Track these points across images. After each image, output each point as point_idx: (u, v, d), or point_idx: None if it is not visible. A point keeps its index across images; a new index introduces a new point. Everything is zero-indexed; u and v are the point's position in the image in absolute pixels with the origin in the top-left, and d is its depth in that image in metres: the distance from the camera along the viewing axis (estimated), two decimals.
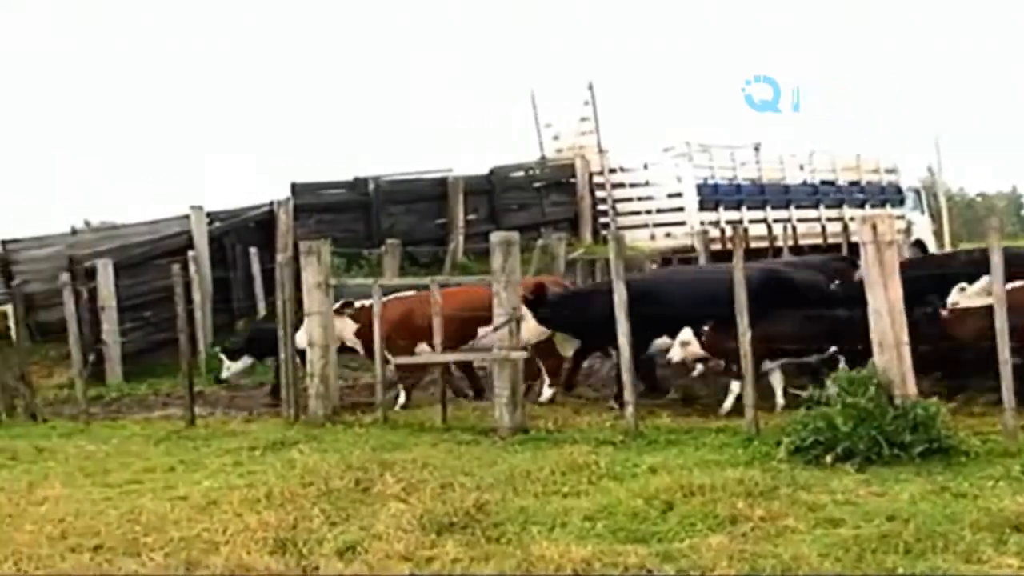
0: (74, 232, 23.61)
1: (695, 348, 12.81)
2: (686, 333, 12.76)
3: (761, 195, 30.27)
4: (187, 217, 22.06)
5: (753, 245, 24.68)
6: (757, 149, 30.35)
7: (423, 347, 13.82)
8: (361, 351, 14.73)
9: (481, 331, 13.31)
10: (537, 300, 13.52)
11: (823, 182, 31.74)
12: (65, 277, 16.42)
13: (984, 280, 12.50)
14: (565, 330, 14.04)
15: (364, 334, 14.13)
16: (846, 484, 8.99)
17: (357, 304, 14.44)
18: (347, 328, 14.51)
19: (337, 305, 14.24)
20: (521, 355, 12.35)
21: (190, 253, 20.76)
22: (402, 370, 14.08)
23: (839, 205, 31.58)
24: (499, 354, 12.24)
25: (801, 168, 31.40)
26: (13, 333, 16.48)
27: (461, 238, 26.12)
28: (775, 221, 29.85)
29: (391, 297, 14.43)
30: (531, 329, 13.28)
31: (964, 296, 12.89)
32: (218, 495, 9.74)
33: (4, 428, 14.36)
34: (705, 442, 10.75)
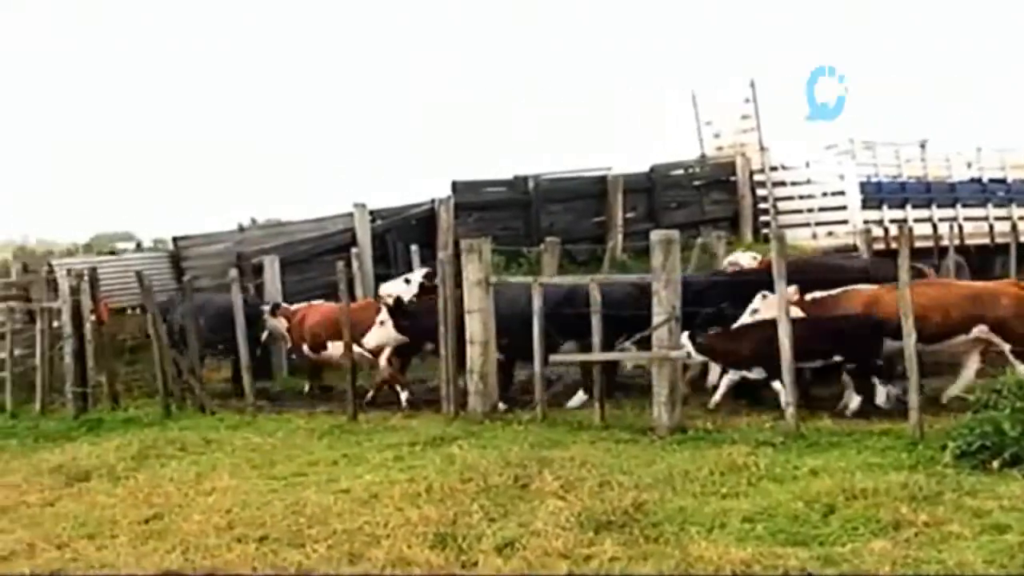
0: (241, 229, 24.09)
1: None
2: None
3: (926, 193, 29.61)
4: (351, 215, 22.40)
5: (917, 244, 24.18)
6: (923, 146, 29.67)
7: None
8: (289, 344, 17.53)
9: (330, 345, 15.96)
10: (398, 309, 15.03)
11: (992, 180, 30.91)
12: (233, 273, 16.75)
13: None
14: (422, 338, 15.08)
15: (291, 330, 17.02)
16: (1013, 490, 8.78)
17: (290, 306, 17.48)
18: (281, 326, 17.16)
19: (270, 307, 17.38)
20: (680, 355, 12.29)
21: (353, 250, 21.06)
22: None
23: (1008, 204, 30.72)
24: (658, 353, 12.19)
25: (968, 166, 30.61)
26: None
27: (620, 236, 26.06)
28: (940, 220, 29.19)
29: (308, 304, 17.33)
30: (385, 334, 14.87)
31: (765, 304, 13.18)
32: (380, 489, 9.89)
33: (174, 420, 14.71)
34: (868, 445, 10.58)
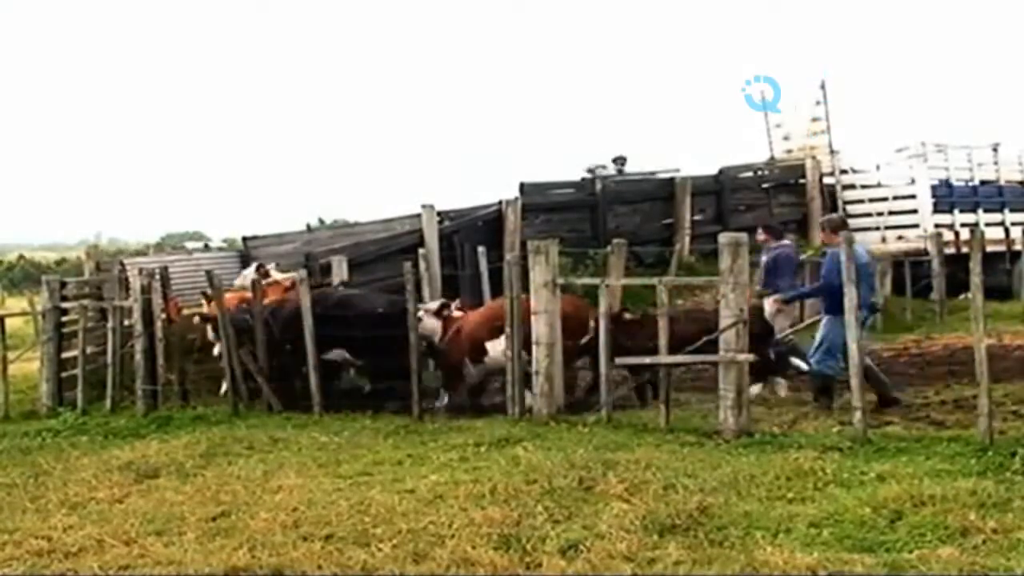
0: (310, 229, 24.30)
1: None
2: None
3: (999, 197, 29.29)
4: (418, 216, 22.50)
5: (989, 249, 23.91)
6: (995, 149, 29.37)
7: None
8: None
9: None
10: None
11: None
12: (302, 272, 16.85)
13: None
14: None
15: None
16: None
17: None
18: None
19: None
20: (748, 357, 12.20)
21: (421, 251, 21.14)
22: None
23: None
24: (725, 356, 12.12)
25: None
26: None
27: (687, 239, 26.01)
28: (1013, 224, 28.87)
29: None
30: None
31: None
32: (444, 489, 9.89)
33: (242, 418, 14.80)
34: (936, 451, 10.44)
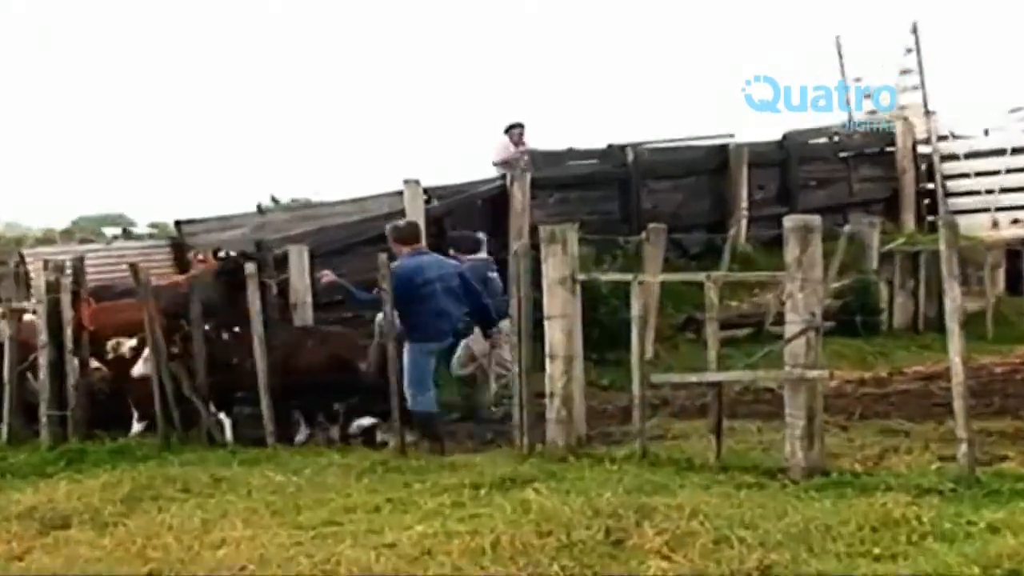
0: (261, 211, 24.23)
1: None
2: None
3: None
4: (399, 194, 22.30)
5: None
6: None
7: None
8: None
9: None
10: None
11: None
12: (251, 267, 16.70)
13: None
14: None
15: None
16: None
17: None
18: None
19: None
20: (823, 375, 12.16)
21: None
22: None
23: None
24: (793, 374, 12.07)
25: None
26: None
27: (744, 222, 25.95)
28: None
29: None
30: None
31: None
32: (433, 544, 9.86)
33: (174, 452, 14.77)
34: None
